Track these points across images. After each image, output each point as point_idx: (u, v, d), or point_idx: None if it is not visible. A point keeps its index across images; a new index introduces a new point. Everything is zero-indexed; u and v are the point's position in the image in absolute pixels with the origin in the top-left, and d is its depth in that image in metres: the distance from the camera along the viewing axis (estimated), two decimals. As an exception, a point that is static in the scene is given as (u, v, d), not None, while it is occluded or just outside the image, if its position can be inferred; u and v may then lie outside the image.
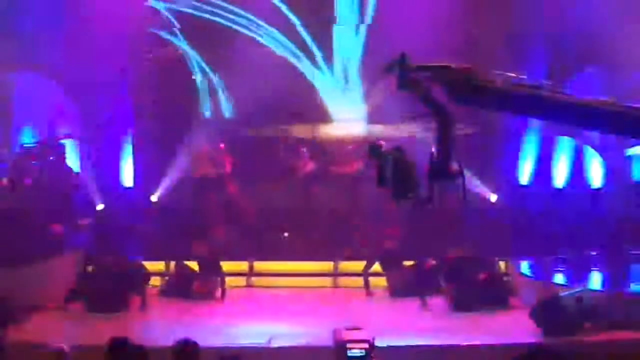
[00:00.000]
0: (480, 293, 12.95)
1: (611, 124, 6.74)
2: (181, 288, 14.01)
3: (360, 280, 14.39)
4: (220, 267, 14.09)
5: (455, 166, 6.82)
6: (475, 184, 15.88)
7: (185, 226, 15.56)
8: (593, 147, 16.92)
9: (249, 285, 15.03)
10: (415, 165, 6.93)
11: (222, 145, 16.53)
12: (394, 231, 14.52)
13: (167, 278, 14.58)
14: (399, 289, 13.95)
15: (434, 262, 14.01)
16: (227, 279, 14.15)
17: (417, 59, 6.82)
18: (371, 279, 14.32)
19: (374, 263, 14.34)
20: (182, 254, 14.64)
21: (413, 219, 15.54)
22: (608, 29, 14.98)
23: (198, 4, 17.33)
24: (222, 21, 17.30)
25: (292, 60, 17.28)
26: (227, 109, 17.50)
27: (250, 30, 17.33)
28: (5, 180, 15.15)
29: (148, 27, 17.46)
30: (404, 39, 16.00)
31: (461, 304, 12.86)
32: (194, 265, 14.34)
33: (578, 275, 13.78)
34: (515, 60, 15.77)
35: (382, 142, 7.33)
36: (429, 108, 6.69)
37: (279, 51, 17.24)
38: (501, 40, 16.50)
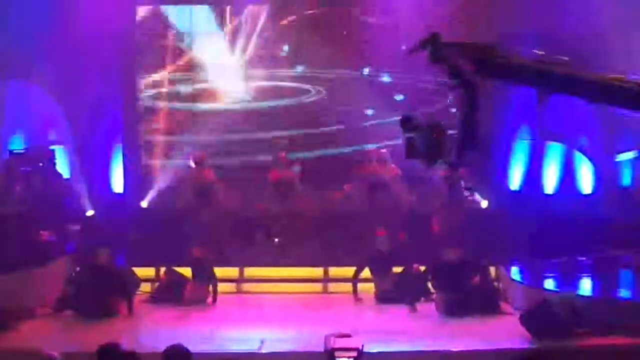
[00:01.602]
0: (470, 299, 12.95)
1: (635, 101, 7.00)
2: (172, 294, 13.98)
3: (351, 286, 14.38)
4: (213, 273, 14.07)
5: (479, 138, 7.27)
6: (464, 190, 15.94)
7: (176, 232, 15.56)
8: (583, 152, 16.98)
9: (239, 291, 15.03)
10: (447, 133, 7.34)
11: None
12: (384, 233, 14.49)
13: (157, 284, 14.56)
14: (387, 295, 13.95)
15: (422, 267, 14.02)
16: (218, 285, 14.13)
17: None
18: (361, 284, 14.31)
19: (363, 268, 14.34)
20: (173, 260, 14.62)
21: (403, 224, 15.60)
22: (602, 30, 15.03)
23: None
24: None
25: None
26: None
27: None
28: None
29: (138, 33, 17.51)
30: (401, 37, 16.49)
31: (451, 309, 12.86)
32: (184, 271, 14.31)
33: (568, 281, 13.81)
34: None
35: (413, 114, 7.61)
36: (457, 82, 7.16)
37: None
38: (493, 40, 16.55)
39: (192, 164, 16.14)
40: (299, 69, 17.40)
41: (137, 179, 17.44)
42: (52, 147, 16.76)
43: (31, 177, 15.80)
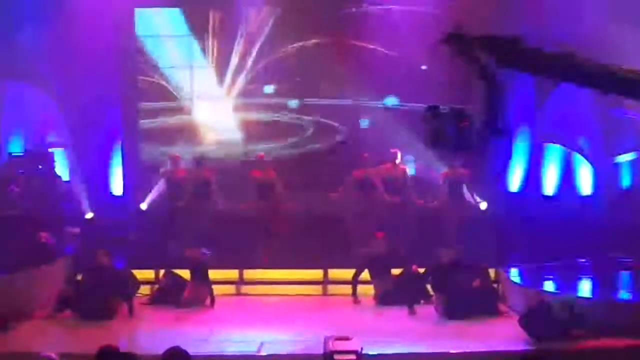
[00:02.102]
0: (469, 301, 12.94)
1: None
2: (171, 296, 13.98)
3: (350, 289, 14.38)
4: (207, 276, 14.06)
5: (502, 125, 7.58)
6: (465, 192, 15.95)
7: (176, 234, 15.57)
8: (582, 154, 16.99)
9: (238, 293, 15.02)
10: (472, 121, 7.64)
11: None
12: (382, 235, 14.49)
13: (156, 286, 14.56)
14: (386, 297, 13.94)
15: (421, 269, 14.01)
16: (217, 287, 14.13)
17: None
18: (360, 286, 14.31)
19: (363, 270, 14.34)
20: (172, 262, 14.62)
21: (401, 225, 15.60)
22: (600, 30, 15.03)
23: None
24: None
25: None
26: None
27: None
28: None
29: (137, 36, 17.53)
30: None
31: (451, 312, 12.85)
32: (183, 273, 14.31)
33: (567, 283, 13.80)
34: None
35: (438, 105, 7.86)
36: (480, 73, 7.48)
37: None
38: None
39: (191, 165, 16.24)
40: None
41: (136, 181, 17.44)
42: (51, 149, 16.77)
43: (30, 179, 15.82)
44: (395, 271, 14.27)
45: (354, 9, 17.30)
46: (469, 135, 7.59)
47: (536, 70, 7.89)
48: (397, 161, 15.96)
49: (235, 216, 15.98)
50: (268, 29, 17.40)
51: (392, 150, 16.00)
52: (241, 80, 17.52)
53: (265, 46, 17.42)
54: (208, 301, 13.95)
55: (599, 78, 7.44)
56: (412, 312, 13.26)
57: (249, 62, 17.46)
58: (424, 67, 16.83)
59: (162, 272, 14.70)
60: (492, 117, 7.50)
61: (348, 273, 14.54)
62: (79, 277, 13.81)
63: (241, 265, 15.21)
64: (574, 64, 7.44)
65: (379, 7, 17.13)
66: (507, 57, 7.41)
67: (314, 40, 17.30)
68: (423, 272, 13.91)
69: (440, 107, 7.72)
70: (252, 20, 17.46)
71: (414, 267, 14.05)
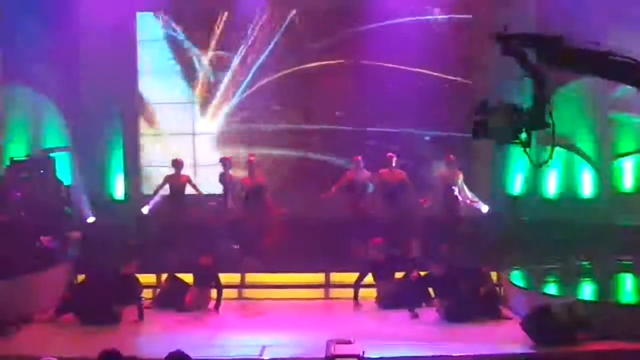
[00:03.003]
0: (471, 304, 12.93)
1: None
2: (173, 300, 13.98)
3: (352, 292, 14.38)
4: (218, 279, 14.03)
5: (548, 118, 8.06)
6: (467, 194, 15.94)
7: (178, 238, 15.57)
8: (583, 156, 16.98)
9: (240, 297, 15.02)
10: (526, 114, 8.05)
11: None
12: (379, 241, 14.49)
13: (158, 290, 14.56)
14: (388, 301, 13.94)
15: (422, 273, 14.00)
16: (218, 291, 14.16)
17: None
18: (362, 290, 14.31)
19: (366, 274, 14.34)
20: (175, 266, 14.62)
21: (403, 229, 15.61)
22: (601, 30, 15.02)
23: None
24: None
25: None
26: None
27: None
28: None
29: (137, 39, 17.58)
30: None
31: (453, 315, 12.84)
32: (185, 277, 14.31)
33: (569, 285, 13.79)
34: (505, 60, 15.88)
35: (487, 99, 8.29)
36: (526, 70, 7.95)
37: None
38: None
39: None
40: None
41: (138, 185, 17.44)
42: (52, 154, 16.78)
43: (32, 184, 15.82)
44: (397, 275, 14.28)
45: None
46: (519, 128, 8.02)
47: (576, 67, 8.33)
48: (393, 165, 15.95)
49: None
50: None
51: (388, 155, 16.01)
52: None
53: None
54: (210, 305, 13.94)
55: (635, 74, 7.83)
56: (414, 315, 13.25)
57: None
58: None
59: (164, 276, 14.70)
60: (539, 111, 7.95)
61: (349, 277, 14.54)
62: (80, 281, 13.81)
63: (243, 270, 15.21)
64: (611, 62, 7.82)
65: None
66: (550, 55, 7.83)
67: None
68: (424, 276, 13.91)
69: (489, 101, 8.11)
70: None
71: (414, 273, 14.03)
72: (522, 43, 7.94)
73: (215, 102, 17.89)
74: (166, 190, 16.18)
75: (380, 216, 15.79)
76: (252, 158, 16.37)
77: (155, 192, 16.27)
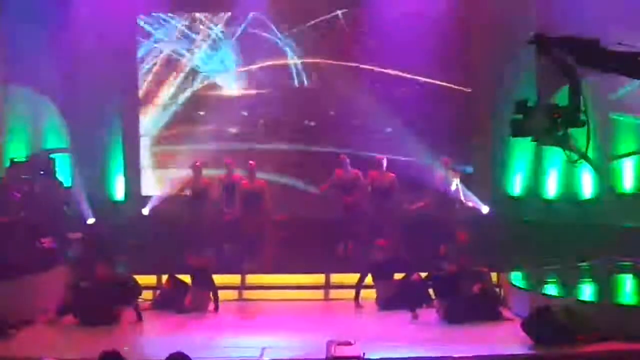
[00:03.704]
0: (471, 305, 12.93)
1: None
2: (173, 302, 13.97)
3: (353, 293, 14.38)
4: (212, 281, 14.05)
5: (583, 117, 8.34)
6: (467, 195, 15.94)
7: (177, 239, 15.57)
8: (583, 157, 16.95)
9: (240, 298, 15.02)
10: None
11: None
12: (384, 243, 14.49)
13: (158, 291, 14.55)
14: (388, 301, 13.94)
15: (423, 274, 13.99)
16: (219, 292, 14.11)
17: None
18: (362, 291, 14.31)
19: (367, 275, 14.34)
20: (174, 268, 14.62)
21: (404, 230, 15.62)
22: (600, 31, 15.01)
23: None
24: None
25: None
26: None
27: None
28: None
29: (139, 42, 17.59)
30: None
31: (452, 316, 12.84)
32: (185, 278, 14.31)
33: (569, 286, 13.79)
34: (505, 60, 15.96)
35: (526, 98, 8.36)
36: (562, 71, 8.09)
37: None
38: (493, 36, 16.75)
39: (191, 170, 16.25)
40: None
41: (138, 186, 17.44)
42: (52, 155, 16.78)
43: (32, 185, 15.81)
44: (398, 276, 14.28)
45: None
46: (557, 126, 8.22)
47: (611, 69, 8.41)
48: (384, 168, 15.97)
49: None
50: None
51: (378, 157, 16.06)
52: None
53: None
54: (211, 306, 13.94)
55: None
56: (414, 316, 13.25)
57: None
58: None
59: (164, 277, 14.69)
60: (574, 110, 8.21)
61: (350, 278, 14.54)
62: (81, 283, 13.80)
63: (242, 271, 15.22)
64: None
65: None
66: (585, 57, 8.03)
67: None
68: (425, 277, 13.90)
69: (528, 100, 8.19)
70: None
71: (415, 275, 14.02)
72: (561, 46, 8.09)
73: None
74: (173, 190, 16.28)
75: (373, 217, 15.81)
76: (252, 162, 16.35)
77: (176, 195, 16.31)
